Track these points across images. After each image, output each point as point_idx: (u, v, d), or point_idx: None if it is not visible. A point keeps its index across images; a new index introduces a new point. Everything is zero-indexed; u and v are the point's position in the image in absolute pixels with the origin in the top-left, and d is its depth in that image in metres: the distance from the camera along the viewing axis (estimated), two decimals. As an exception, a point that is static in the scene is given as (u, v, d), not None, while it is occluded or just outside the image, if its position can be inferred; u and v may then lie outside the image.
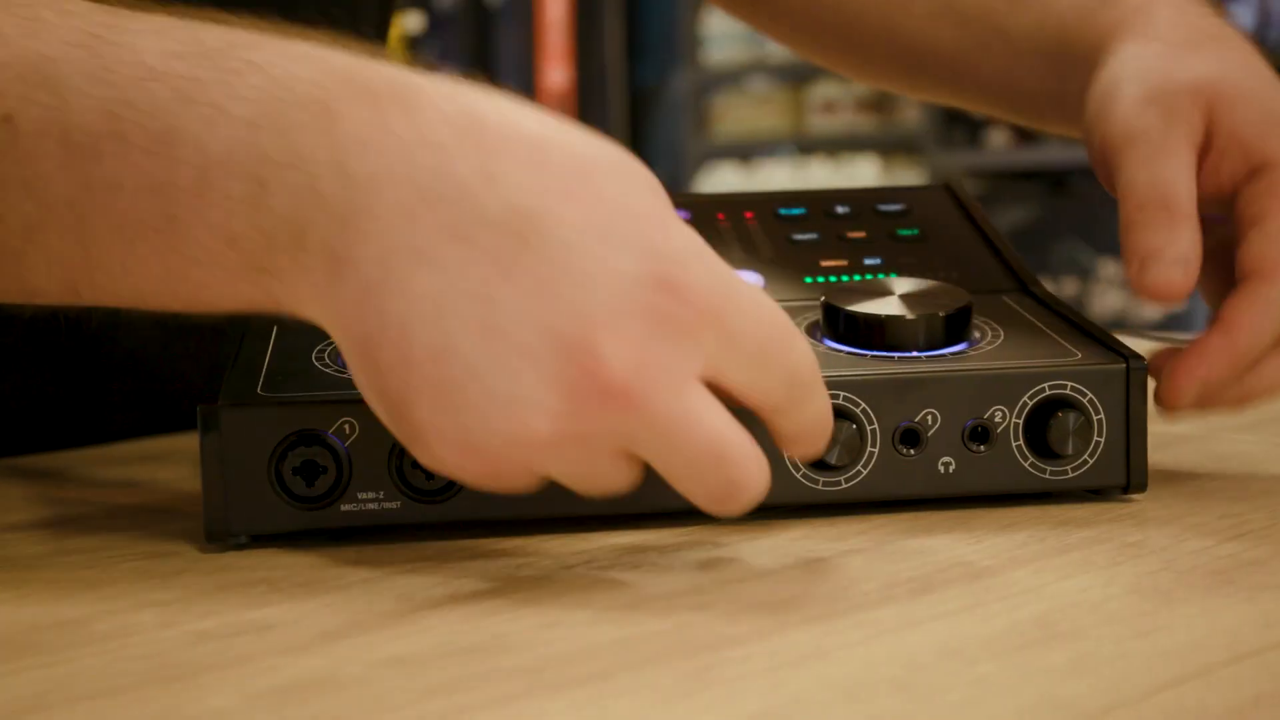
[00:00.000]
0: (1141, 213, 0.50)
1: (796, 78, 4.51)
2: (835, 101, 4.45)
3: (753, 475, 0.40)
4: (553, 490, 0.47)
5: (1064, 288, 3.40)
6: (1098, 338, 0.52)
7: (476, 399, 0.38)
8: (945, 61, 0.64)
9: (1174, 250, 0.49)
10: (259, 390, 0.48)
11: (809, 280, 0.58)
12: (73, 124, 0.40)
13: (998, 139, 3.96)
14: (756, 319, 0.40)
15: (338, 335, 0.41)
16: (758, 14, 0.74)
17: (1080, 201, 3.46)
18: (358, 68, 0.41)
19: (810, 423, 0.43)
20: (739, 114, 4.70)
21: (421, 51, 4.54)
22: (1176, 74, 0.52)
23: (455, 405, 0.38)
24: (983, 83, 0.64)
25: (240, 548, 0.48)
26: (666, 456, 0.39)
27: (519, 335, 0.38)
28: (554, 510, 0.48)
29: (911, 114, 4.24)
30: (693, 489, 0.40)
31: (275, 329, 0.53)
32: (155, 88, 0.40)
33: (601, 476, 0.40)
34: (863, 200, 0.64)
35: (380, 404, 0.40)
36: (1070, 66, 0.57)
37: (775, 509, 0.49)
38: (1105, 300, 3.27)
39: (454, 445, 0.39)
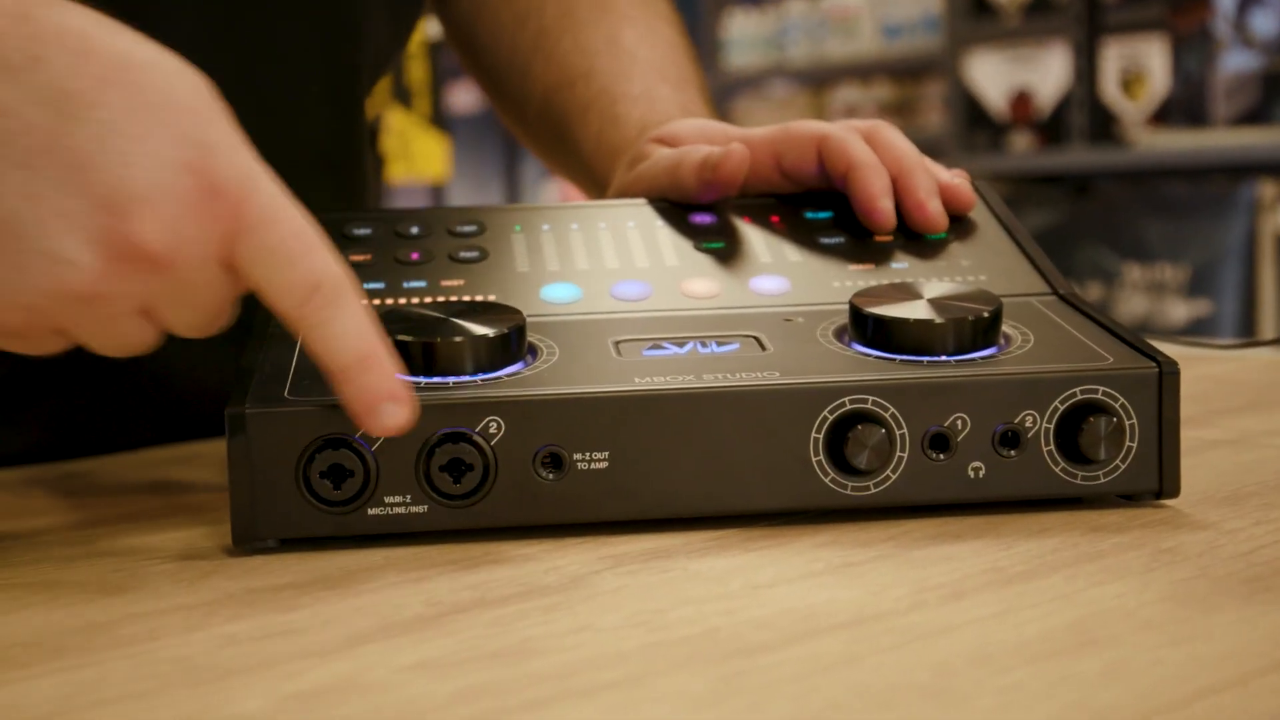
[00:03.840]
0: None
1: (818, 81, 4.50)
2: (857, 105, 4.44)
3: (222, 320, 0.45)
4: (577, 497, 0.47)
5: (1088, 292, 3.38)
6: (1129, 341, 0.52)
7: (16, 258, 0.41)
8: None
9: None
10: (286, 394, 0.47)
11: (837, 284, 0.58)
12: None
13: (1020, 143, 3.95)
14: (275, 216, 0.43)
15: None
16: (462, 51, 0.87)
17: (1104, 206, 3.45)
18: None
19: (342, 338, 0.44)
20: (760, 117, 4.70)
21: (444, 56, 4.54)
22: (644, 146, 0.69)
23: None
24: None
25: (267, 551, 0.48)
26: (181, 317, 0.44)
27: (61, 201, 0.41)
28: (580, 516, 0.48)
29: (934, 118, 4.24)
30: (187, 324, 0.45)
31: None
32: None
33: (121, 335, 0.44)
34: None
35: None
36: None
37: (803, 514, 0.49)
38: (1130, 305, 3.25)
39: None
